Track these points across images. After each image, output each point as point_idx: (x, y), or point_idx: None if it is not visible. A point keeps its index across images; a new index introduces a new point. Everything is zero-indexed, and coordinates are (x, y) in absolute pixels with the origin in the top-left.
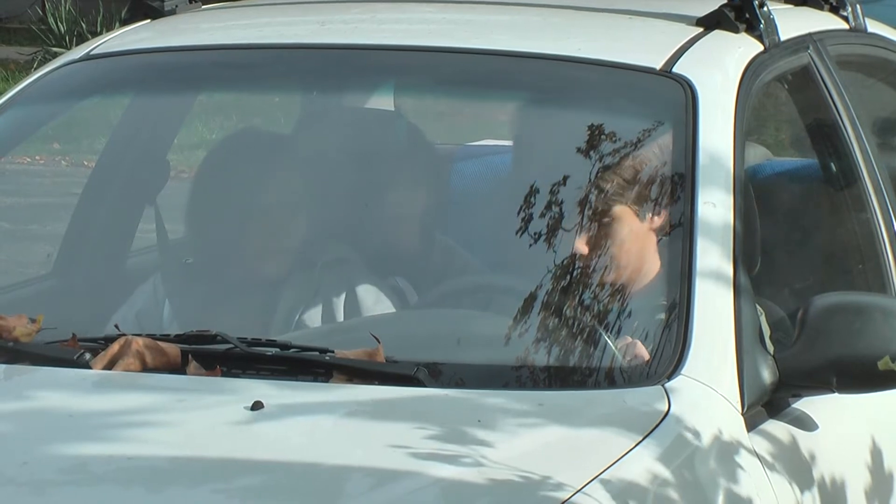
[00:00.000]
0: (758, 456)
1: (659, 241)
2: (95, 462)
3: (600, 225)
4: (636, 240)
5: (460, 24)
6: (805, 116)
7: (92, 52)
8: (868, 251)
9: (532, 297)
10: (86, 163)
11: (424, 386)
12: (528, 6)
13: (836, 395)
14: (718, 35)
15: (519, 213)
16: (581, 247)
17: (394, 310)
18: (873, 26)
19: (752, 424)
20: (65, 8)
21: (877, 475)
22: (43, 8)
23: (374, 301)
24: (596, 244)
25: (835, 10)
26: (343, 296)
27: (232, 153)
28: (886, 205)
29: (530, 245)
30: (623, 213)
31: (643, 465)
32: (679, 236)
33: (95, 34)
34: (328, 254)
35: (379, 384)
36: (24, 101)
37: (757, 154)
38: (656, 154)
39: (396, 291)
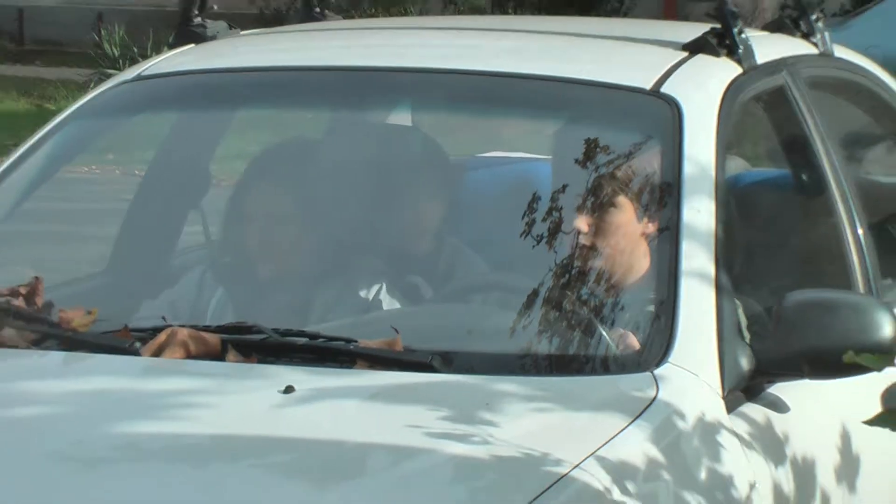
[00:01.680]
0: (736, 435)
1: (649, 244)
2: (143, 440)
3: (597, 228)
4: (629, 242)
5: (470, 49)
6: (779, 132)
7: (142, 74)
8: (835, 252)
9: (535, 293)
10: (136, 172)
11: (438, 372)
12: (529, 33)
13: (808, 381)
14: (702, 59)
15: (523, 217)
16: (583, 240)
17: (411, 305)
18: (840, 51)
19: (731, 407)
20: (118, 34)
21: (844, 452)
22: (99, 34)
23: (394, 296)
24: (592, 245)
25: (806, 36)
26: (366, 291)
27: (268, 165)
28: (851, 211)
29: (533, 246)
30: (617, 217)
31: (634, 443)
32: (667, 239)
33: (145, 57)
34: (354, 254)
35: (398, 370)
36: (82, 116)
37: (736, 165)
38: (647, 165)
39: (413, 288)
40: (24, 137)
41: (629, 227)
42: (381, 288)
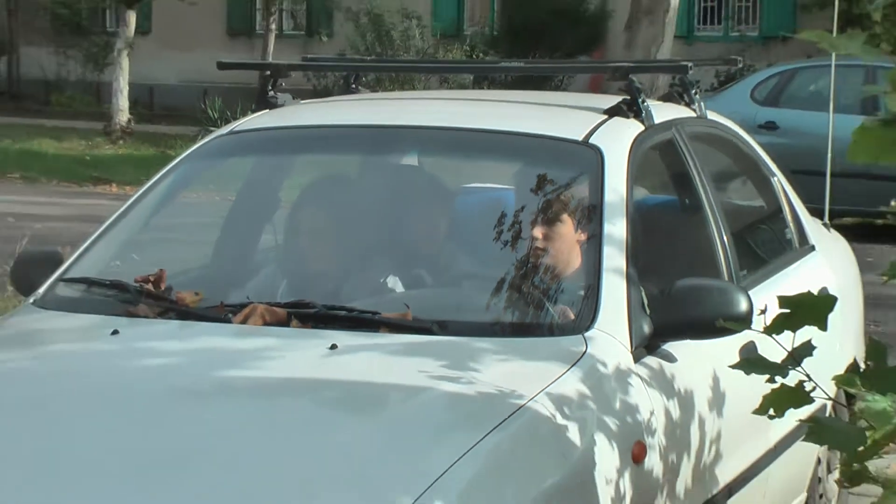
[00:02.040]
0: (640, 377)
1: (581, 247)
2: (234, 380)
3: (546, 236)
4: (568, 246)
5: (457, 113)
6: (669, 170)
7: (234, 130)
8: (708, 253)
9: (503, 281)
10: (229, 197)
11: (436, 335)
12: (498, 102)
13: (689, 340)
14: (617, 120)
15: (495, 228)
16: (537, 244)
17: (417, 289)
18: (711, 115)
19: (637, 358)
20: (217, 103)
21: (714, 388)
22: (204, 103)
23: (405, 283)
24: (544, 248)
25: (688, 105)
26: (386, 280)
27: (315, 192)
28: (719, 225)
29: (502, 248)
30: (560, 229)
31: (571, 383)
32: (593, 244)
33: (236, 119)
34: (377, 254)
35: (408, 334)
36: (192, 159)
37: (640, 193)
38: (580, 193)
39: (418, 277)
40: (153, 174)
41: (569, 236)
42: (396, 277)
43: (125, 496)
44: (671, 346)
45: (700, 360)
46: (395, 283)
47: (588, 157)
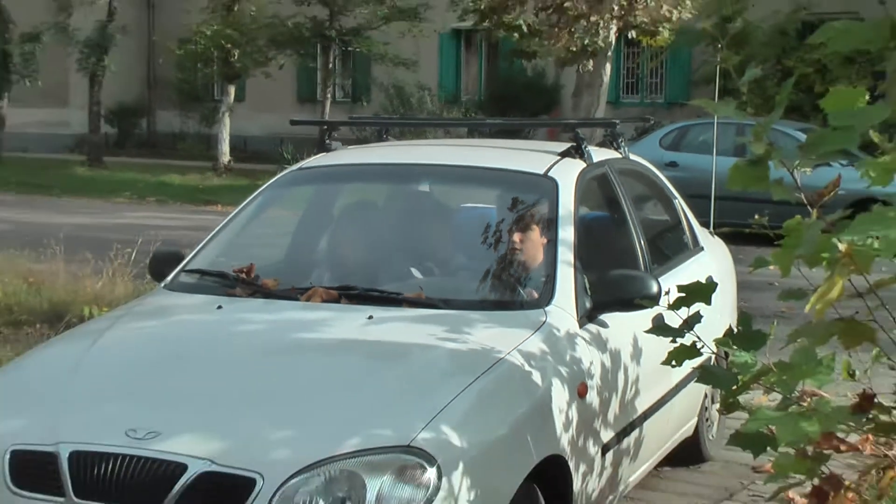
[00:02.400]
0: (583, 338)
1: (543, 248)
2: (302, 340)
3: (521, 241)
4: (535, 247)
5: (455, 155)
6: (603, 194)
7: (302, 167)
8: (630, 252)
9: (489, 272)
10: (296, 214)
11: (442, 309)
12: (484, 147)
13: (617, 313)
14: (567, 160)
15: (483, 235)
16: (514, 246)
17: (428, 277)
18: (632, 156)
19: (581, 325)
20: (290, 148)
21: (634, 346)
22: (281, 148)
23: (420, 273)
24: (519, 249)
25: (616, 149)
26: (406, 271)
27: (358, 208)
28: (638, 233)
29: (487, 249)
30: (530, 235)
31: (534, 343)
32: (551, 245)
33: (303, 159)
34: (399, 253)
35: (422, 308)
36: (272, 187)
37: (583, 210)
38: (542, 210)
39: (429, 269)
40: (246, 198)
41: (536, 240)
42: (413, 269)
43: (226, 407)
44: (605, 317)
45: (625, 327)
46: (413, 273)
47: (547, 186)
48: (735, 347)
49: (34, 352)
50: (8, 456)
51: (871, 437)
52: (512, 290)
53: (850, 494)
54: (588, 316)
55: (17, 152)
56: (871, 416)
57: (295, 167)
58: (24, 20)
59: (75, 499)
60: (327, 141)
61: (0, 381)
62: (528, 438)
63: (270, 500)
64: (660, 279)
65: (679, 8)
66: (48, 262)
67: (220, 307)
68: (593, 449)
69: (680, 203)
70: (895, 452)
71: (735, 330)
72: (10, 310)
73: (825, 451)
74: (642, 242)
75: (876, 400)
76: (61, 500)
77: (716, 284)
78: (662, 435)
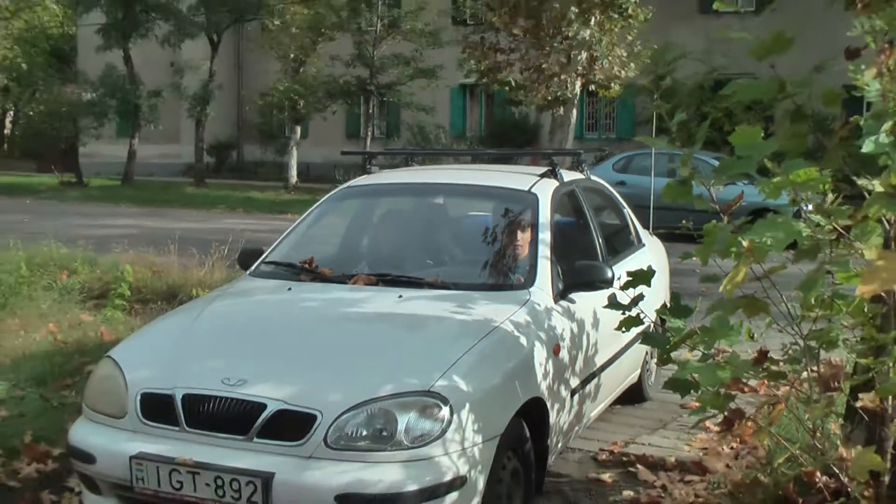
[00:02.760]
0: (557, 311)
1: (528, 245)
2: (349, 313)
3: (513, 239)
4: (523, 244)
5: (462, 176)
6: (571, 205)
7: (350, 185)
8: (591, 248)
9: (487, 263)
10: (344, 220)
11: (453, 290)
12: (484, 170)
13: (582, 292)
14: (545, 180)
15: (483, 234)
16: (505, 245)
17: (442, 268)
18: (593, 177)
19: (555, 301)
20: (342, 172)
21: (595, 317)
22: (335, 172)
23: (436, 265)
24: (510, 245)
25: (580, 171)
26: (426, 262)
27: (390, 216)
28: (597, 233)
29: (488, 245)
30: (517, 235)
31: (521, 315)
32: (534, 243)
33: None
34: (420, 249)
35: (440, 290)
36: (328, 201)
37: (557, 217)
38: (527, 218)
39: (444, 261)
40: (308, 208)
41: (524, 239)
42: (431, 262)
43: (295, 362)
44: (573, 295)
45: (588, 303)
46: (430, 265)
47: (530, 199)
48: (669, 317)
49: (157, 321)
50: (139, 397)
51: (765, 382)
52: (504, 276)
53: (749, 423)
54: (560, 295)
55: (143, 177)
56: (765, 367)
57: (344, 186)
58: (149, 81)
59: (187, 428)
60: (368, 166)
61: (133, 342)
62: (516, 385)
63: (327, 430)
64: (613, 267)
65: (626, 69)
66: (166, 256)
67: (290, 289)
68: (564, 392)
69: (628, 212)
70: (782, 392)
71: (668, 305)
72: (140, 291)
73: (733, 392)
74: (600, 240)
75: (769, 355)
76: (176, 428)
77: (654, 271)
78: (615, 382)
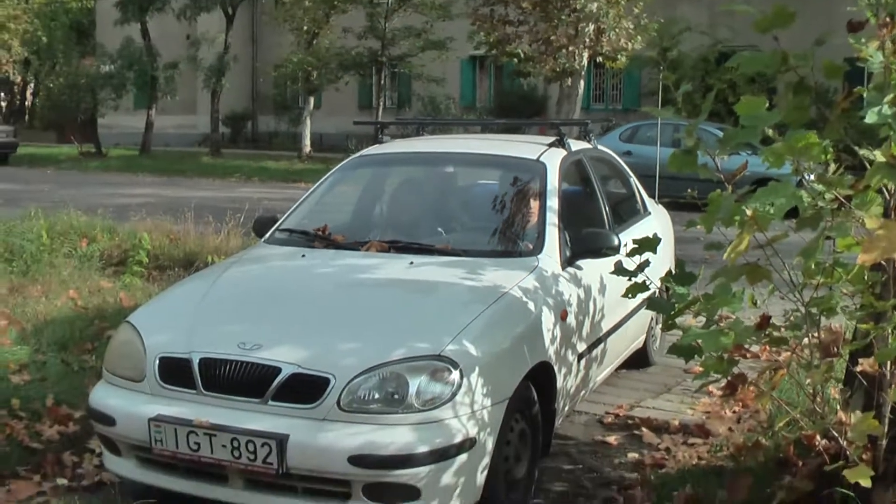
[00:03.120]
0: (565, 278)
1: (538, 213)
2: (362, 279)
3: (521, 207)
4: (532, 212)
5: (472, 145)
6: (579, 174)
7: (361, 154)
8: (598, 216)
9: (496, 230)
10: (356, 189)
11: (463, 257)
12: (493, 139)
13: (589, 259)
14: (553, 149)
15: (493, 202)
16: (514, 212)
17: (452, 234)
18: (599, 146)
19: (563, 268)
20: (354, 142)
21: (602, 283)
22: (347, 142)
23: (446, 231)
24: (519, 212)
25: (588, 141)
26: (437, 229)
27: (402, 184)
28: (604, 201)
29: (497, 213)
30: (529, 204)
31: (530, 280)
32: (542, 211)
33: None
34: (433, 217)
35: (450, 256)
36: (341, 170)
37: (564, 185)
38: (536, 185)
39: (454, 228)
40: (321, 177)
41: (533, 206)
42: (441, 229)
43: (308, 327)
44: (580, 262)
45: (595, 269)
46: (440, 231)
47: (539, 168)
48: (673, 284)
49: (174, 287)
50: (157, 361)
51: (767, 347)
52: (513, 243)
53: (751, 387)
54: (568, 261)
55: (161, 147)
56: (767, 332)
57: (357, 155)
58: (166, 54)
59: (204, 391)
60: (380, 136)
61: (151, 308)
62: (524, 349)
63: (340, 393)
64: (619, 235)
65: (633, 41)
66: (183, 224)
67: (303, 255)
68: (571, 357)
69: (634, 181)
70: (783, 358)
71: (673, 272)
72: (157, 258)
73: (735, 357)
74: (607, 209)
75: (771, 321)
76: (193, 391)
77: (660, 239)
78: (621, 346)
